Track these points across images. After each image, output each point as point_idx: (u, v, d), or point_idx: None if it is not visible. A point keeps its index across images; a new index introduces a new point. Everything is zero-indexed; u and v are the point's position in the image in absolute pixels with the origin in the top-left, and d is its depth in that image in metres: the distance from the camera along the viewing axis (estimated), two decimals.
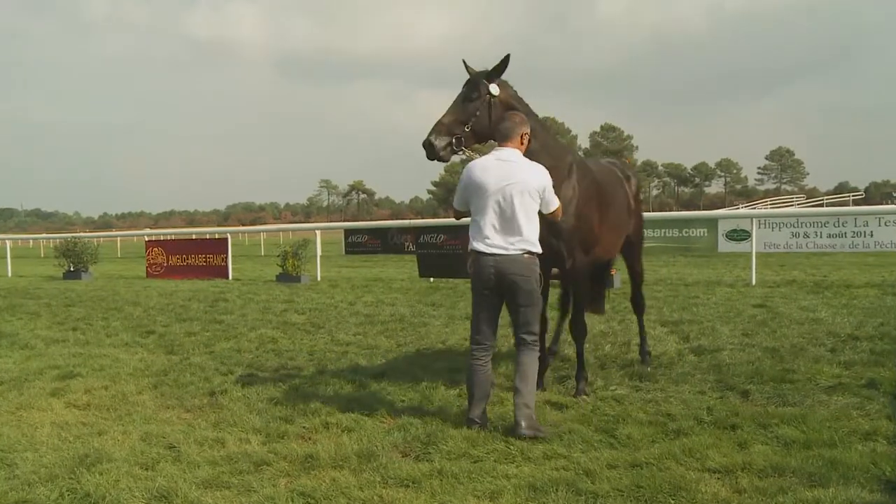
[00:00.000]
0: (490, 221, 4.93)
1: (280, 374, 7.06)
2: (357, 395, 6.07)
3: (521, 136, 5.11)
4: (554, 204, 5.12)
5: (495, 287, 4.98)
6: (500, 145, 5.10)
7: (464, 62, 5.58)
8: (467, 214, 5.23)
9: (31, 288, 17.92)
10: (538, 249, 5.01)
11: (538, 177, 4.99)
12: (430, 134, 5.24)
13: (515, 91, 5.72)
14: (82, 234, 30.05)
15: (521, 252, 4.92)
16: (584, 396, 5.84)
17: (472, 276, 5.10)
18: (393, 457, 4.56)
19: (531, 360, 5.06)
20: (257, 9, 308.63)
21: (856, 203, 52.56)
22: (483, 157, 5.13)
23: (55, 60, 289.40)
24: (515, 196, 4.88)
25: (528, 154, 5.67)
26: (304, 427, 5.23)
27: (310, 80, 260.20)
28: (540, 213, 5.08)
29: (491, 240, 4.92)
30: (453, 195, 5.36)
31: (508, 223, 4.90)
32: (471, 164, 5.12)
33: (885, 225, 20.71)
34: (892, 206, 33.43)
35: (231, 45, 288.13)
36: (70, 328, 10.53)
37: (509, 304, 5.05)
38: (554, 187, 5.74)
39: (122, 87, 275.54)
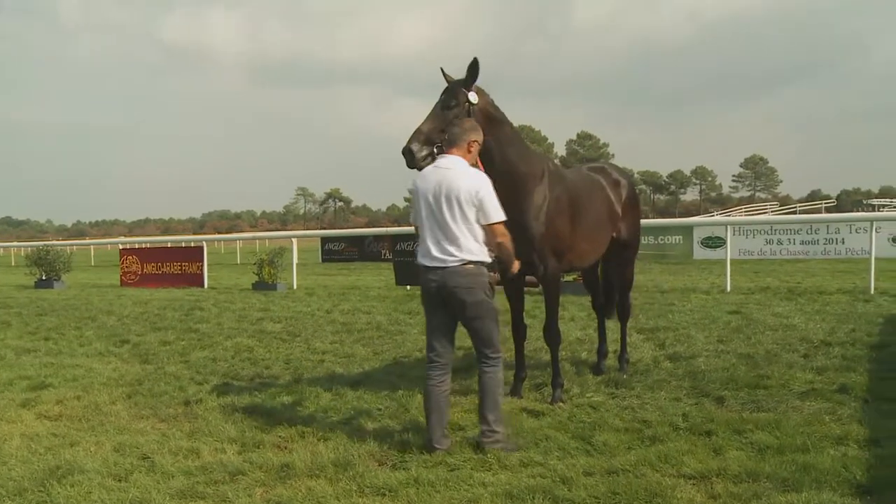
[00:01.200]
0: (429, 233, 4.74)
1: (256, 383, 7.01)
2: (333, 404, 6.05)
3: (469, 144, 4.86)
4: (494, 215, 4.72)
5: (441, 302, 4.76)
6: (446, 151, 4.90)
7: (441, 70, 5.59)
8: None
9: (1, 297, 17.66)
10: (481, 258, 4.74)
11: (472, 184, 4.68)
12: (409, 142, 5.16)
13: (492, 99, 5.74)
14: (55, 242, 29.75)
15: (461, 263, 4.65)
16: (561, 403, 5.85)
17: (420, 292, 4.94)
18: (369, 465, 4.55)
19: (493, 376, 4.81)
20: (235, 14, 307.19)
21: (828, 210, 53.20)
22: (427, 167, 4.93)
23: (28, 61, 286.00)
24: (447, 204, 4.65)
25: (504, 162, 5.69)
26: (279, 436, 5.20)
27: (287, 86, 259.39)
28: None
29: (431, 253, 4.72)
30: None
31: (445, 233, 4.68)
32: (417, 174, 4.96)
33: (857, 232, 21.10)
34: (863, 213, 33.88)
35: (208, 51, 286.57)
36: (42, 338, 10.39)
37: (459, 318, 4.81)
38: (527, 194, 5.77)
39: (97, 91, 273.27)
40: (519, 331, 6.26)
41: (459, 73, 5.51)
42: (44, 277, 20.54)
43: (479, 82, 5.52)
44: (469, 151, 4.88)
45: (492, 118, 5.62)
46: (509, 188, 5.77)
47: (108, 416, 5.96)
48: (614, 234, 6.86)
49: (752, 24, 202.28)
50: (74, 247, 34.78)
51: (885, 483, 3.93)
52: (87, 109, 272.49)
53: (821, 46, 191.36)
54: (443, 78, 5.57)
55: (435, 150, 5.13)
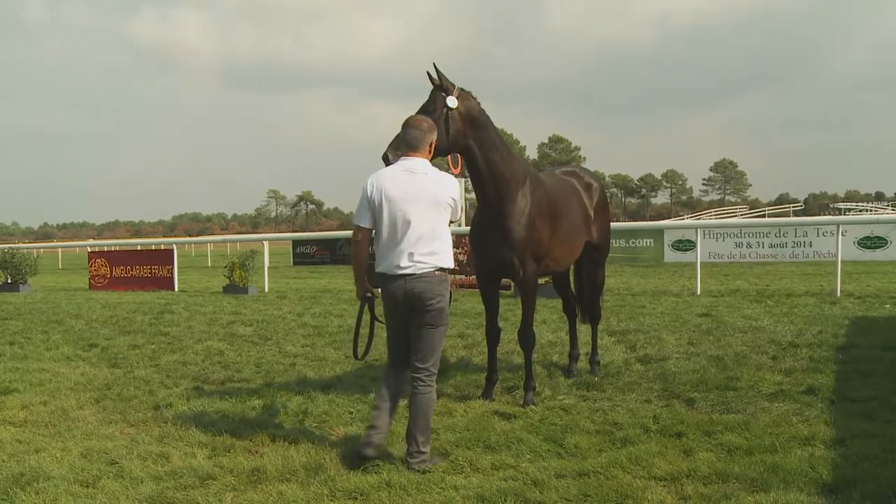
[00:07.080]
0: (398, 238, 4.59)
1: (226, 387, 6.95)
2: (305, 408, 6.01)
3: (430, 145, 4.79)
4: (459, 210, 4.87)
5: (407, 309, 4.65)
6: (406, 155, 4.74)
7: (433, 68, 5.49)
8: (370, 232, 4.83)
9: None
10: (449, 265, 4.70)
11: (448, 188, 4.68)
12: (389, 147, 5.10)
13: (478, 103, 5.71)
14: (21, 244, 29.28)
15: (433, 269, 4.59)
16: (532, 406, 5.87)
17: (383, 299, 4.80)
18: (341, 469, 4.52)
19: (429, 395, 4.66)
20: (204, 17, 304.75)
21: (795, 214, 53.87)
22: (388, 168, 4.76)
23: None
24: (426, 209, 4.57)
25: (488, 165, 5.71)
26: (250, 440, 5.16)
27: (258, 88, 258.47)
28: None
29: (400, 260, 4.58)
30: None
31: (419, 238, 4.57)
32: (373, 176, 4.73)
33: (823, 235, 21.44)
34: (830, 217, 34.42)
35: (177, 53, 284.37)
36: (7, 342, 10.18)
37: (416, 324, 4.66)
38: (510, 199, 5.80)
39: (65, 92, 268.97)
40: (493, 334, 6.25)
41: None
42: (9, 281, 20.19)
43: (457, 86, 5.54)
44: (430, 153, 4.82)
45: (475, 122, 5.63)
46: (492, 192, 5.80)
47: (75, 421, 5.87)
48: (587, 239, 6.89)
49: (719, 31, 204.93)
50: (41, 250, 34.32)
51: (851, 482, 3.99)
52: (57, 111, 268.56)
53: (794, 53, 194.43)
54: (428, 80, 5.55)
55: (389, 156, 4.99)
